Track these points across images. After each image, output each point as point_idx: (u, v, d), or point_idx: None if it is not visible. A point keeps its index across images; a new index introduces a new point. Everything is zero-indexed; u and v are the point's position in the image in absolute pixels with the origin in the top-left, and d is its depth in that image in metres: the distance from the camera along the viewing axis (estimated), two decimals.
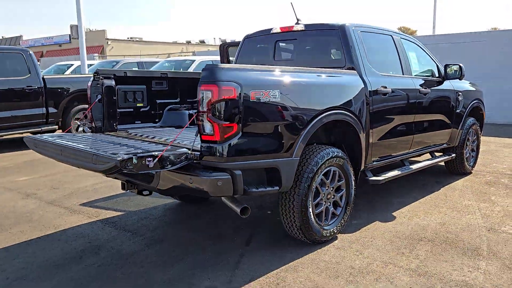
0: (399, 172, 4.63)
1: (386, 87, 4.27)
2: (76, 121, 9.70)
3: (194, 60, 12.62)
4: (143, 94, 4.39)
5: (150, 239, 3.91)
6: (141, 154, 2.66)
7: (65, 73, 15.12)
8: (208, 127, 2.89)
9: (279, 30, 4.67)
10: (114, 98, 4.09)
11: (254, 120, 3.02)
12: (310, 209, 3.49)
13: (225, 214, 4.55)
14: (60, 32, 52.12)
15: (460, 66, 5.28)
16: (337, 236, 3.86)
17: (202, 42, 53.27)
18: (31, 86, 8.84)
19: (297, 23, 4.66)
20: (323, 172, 3.58)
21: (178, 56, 26.93)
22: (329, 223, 3.74)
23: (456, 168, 6.03)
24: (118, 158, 2.53)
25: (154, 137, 3.74)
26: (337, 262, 3.37)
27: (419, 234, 3.94)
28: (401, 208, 4.69)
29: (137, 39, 47.73)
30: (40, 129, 8.97)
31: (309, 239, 3.58)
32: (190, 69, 12.27)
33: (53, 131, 9.22)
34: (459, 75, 5.29)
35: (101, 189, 5.58)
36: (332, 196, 3.76)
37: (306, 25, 4.47)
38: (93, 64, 15.55)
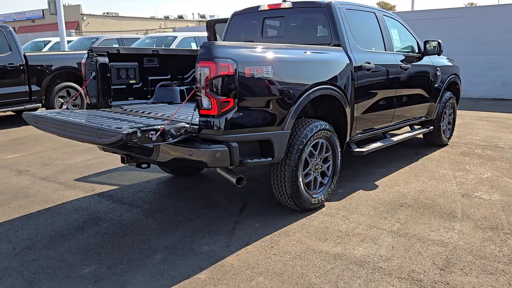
0: (381, 144, 4.90)
1: (369, 63, 4.49)
2: (59, 98, 9.67)
3: (176, 37, 12.54)
4: (135, 71, 4.49)
5: (148, 210, 4.10)
6: (144, 128, 2.82)
7: (42, 50, 14.84)
8: (206, 102, 3.05)
9: (267, 8, 4.80)
10: (108, 75, 4.19)
11: (249, 95, 3.20)
12: (300, 179, 3.73)
13: (216, 186, 4.77)
14: (31, 7, 50.32)
15: (438, 42, 5.53)
16: (324, 204, 4.12)
17: (181, 17, 52.27)
18: (13, 64, 8.74)
19: (284, 1, 4.80)
20: (312, 144, 3.81)
21: (157, 32, 26.52)
22: (317, 192, 3.99)
23: (433, 140, 6.36)
24: (124, 132, 2.69)
25: (150, 112, 3.89)
26: (326, 227, 3.64)
27: (399, 200, 4.24)
28: (383, 178, 4.99)
29: (114, 15, 46.58)
30: (23, 107, 8.92)
31: (299, 206, 3.83)
32: (173, 46, 12.24)
33: (36, 109, 9.17)
34: (438, 51, 5.54)
35: (92, 165, 5.70)
36: (320, 167, 4.00)
37: (293, 3, 4.61)
38: (72, 41, 15.28)
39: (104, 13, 46.86)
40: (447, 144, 6.59)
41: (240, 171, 5.06)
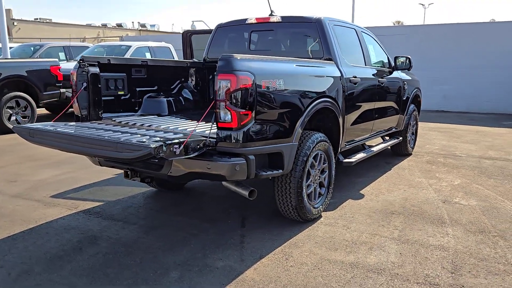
0: (365, 154, 5.11)
1: (356, 77, 4.68)
2: (8, 109, 9.02)
3: (130, 46, 12.21)
4: (123, 82, 4.34)
5: (144, 226, 3.94)
6: (169, 142, 2.74)
7: None
8: (225, 114, 3.03)
9: (254, 21, 4.86)
10: (99, 86, 4.01)
11: (264, 108, 3.22)
12: (304, 190, 3.79)
13: (207, 200, 4.70)
14: None
15: (409, 58, 5.89)
16: (321, 214, 4.21)
17: (120, 26, 50.78)
18: None
19: (271, 15, 4.89)
20: (313, 155, 3.89)
21: (102, 41, 25.56)
22: (317, 202, 4.07)
23: (400, 150, 6.73)
24: (152, 146, 2.60)
25: (150, 125, 3.77)
26: (331, 237, 3.72)
27: (389, 208, 4.44)
28: (366, 187, 5.19)
29: (47, 20, 44.25)
30: None
31: (302, 218, 3.88)
32: (127, 55, 11.89)
33: None
34: (408, 66, 5.90)
35: (65, 181, 5.38)
36: (318, 177, 4.09)
37: (282, 17, 4.71)
38: (12, 47, 14.31)
39: (36, 19, 44.36)
40: (411, 154, 6.99)
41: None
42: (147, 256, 3.35)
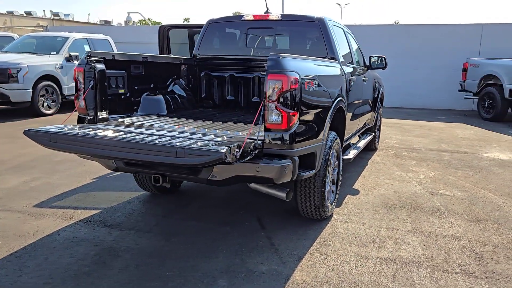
0: (356, 151, 5.28)
1: (352, 75, 4.82)
2: None
3: (67, 38, 11.32)
4: (123, 80, 4.03)
5: (161, 233, 3.72)
6: (232, 145, 2.61)
7: None
8: (275, 115, 2.96)
9: (252, 18, 4.77)
10: (105, 84, 3.68)
11: (306, 108, 3.20)
12: (326, 189, 3.83)
13: (208, 203, 4.55)
14: None
15: (383, 58, 6.17)
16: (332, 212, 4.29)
17: (29, 14, 46.65)
18: None
19: (266, 12, 4.84)
20: (331, 154, 3.95)
21: (4, 30, 23.28)
22: (331, 200, 4.14)
23: (370, 145, 7.05)
24: (222, 150, 2.45)
25: (168, 127, 3.56)
26: (353, 233, 3.81)
27: (388, 202, 4.65)
28: (356, 182, 5.37)
29: None
30: None
31: (322, 216, 3.92)
32: (64, 48, 11.04)
33: None
34: (383, 65, 6.18)
35: (40, 188, 4.88)
36: (331, 176, 4.16)
37: (282, 15, 4.69)
38: None
39: None
40: (377, 149, 7.36)
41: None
42: (183, 265, 3.17)
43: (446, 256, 3.40)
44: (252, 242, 3.58)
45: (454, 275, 3.12)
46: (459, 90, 12.07)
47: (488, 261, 3.34)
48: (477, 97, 11.33)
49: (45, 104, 10.19)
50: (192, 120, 3.99)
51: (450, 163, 6.43)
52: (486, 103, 10.91)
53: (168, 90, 4.67)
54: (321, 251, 3.45)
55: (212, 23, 5.01)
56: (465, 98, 11.96)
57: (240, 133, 3.30)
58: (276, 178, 3.00)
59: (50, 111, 10.29)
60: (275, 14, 4.70)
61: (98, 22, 52.07)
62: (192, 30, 6.52)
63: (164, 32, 5.89)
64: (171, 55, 5.66)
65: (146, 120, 3.88)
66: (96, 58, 3.59)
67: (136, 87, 4.19)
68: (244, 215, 4.19)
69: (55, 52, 10.80)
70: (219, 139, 3.04)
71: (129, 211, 4.22)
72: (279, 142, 3.00)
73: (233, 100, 4.93)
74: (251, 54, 4.86)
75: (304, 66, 3.25)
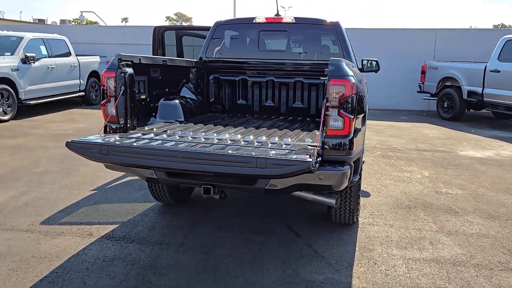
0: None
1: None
2: None
3: (22, 38, 10.50)
4: (144, 85, 3.77)
5: (196, 247, 3.52)
6: (310, 153, 2.51)
7: None
8: (337, 121, 2.89)
9: (264, 20, 4.67)
10: (134, 89, 3.42)
11: (358, 114, 3.16)
12: (360, 192, 3.83)
13: (222, 211, 4.38)
14: None
15: (376, 61, 6.30)
16: None
17: None
18: None
19: (277, 15, 4.77)
20: None
21: None
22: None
23: None
24: (309, 159, 2.35)
25: (208, 134, 3.37)
26: (387, 236, 3.84)
27: (401, 203, 4.74)
28: (361, 184, 5.43)
29: None
30: None
31: (354, 220, 3.91)
32: (20, 48, 10.22)
33: None
34: (376, 69, 6.30)
35: (36, 203, 4.45)
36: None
37: (296, 18, 4.63)
38: None
39: None
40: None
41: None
42: (237, 280, 3.02)
43: (484, 254, 3.51)
44: (295, 251, 3.48)
45: (501, 272, 3.22)
46: (418, 92, 12.67)
47: None
48: (436, 98, 11.95)
49: (0, 109, 9.36)
50: (222, 127, 3.81)
51: (436, 162, 6.70)
52: (445, 103, 11.53)
53: (180, 94, 4.45)
54: (367, 256, 3.43)
55: (220, 25, 4.84)
56: (424, 99, 12.58)
57: (290, 140, 3.19)
58: (337, 185, 2.94)
59: (6, 117, 9.46)
60: (288, 17, 4.63)
61: (31, 21, 48.93)
62: (180, 32, 6.29)
63: (160, 33, 5.61)
64: (184, 58, 5.40)
65: (176, 127, 3.65)
66: (126, 62, 3.32)
67: (154, 92, 3.94)
68: (271, 222, 4.08)
69: (9, 53, 9.96)
70: (288, 147, 2.92)
71: (150, 225, 3.96)
72: (340, 148, 2.94)
73: (244, 105, 4.80)
74: (264, 58, 4.75)
75: (355, 72, 3.23)
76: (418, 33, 13.73)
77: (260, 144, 3.04)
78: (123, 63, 3.28)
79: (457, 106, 11.13)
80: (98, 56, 13.27)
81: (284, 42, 4.79)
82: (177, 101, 4.20)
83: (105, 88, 3.26)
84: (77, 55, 12.21)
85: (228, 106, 4.83)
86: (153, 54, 5.79)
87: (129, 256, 3.33)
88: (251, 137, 3.32)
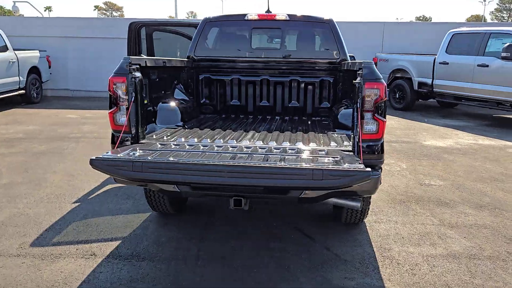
0: None
1: None
2: None
3: None
4: (146, 88, 3.48)
5: (213, 260, 3.34)
6: (358, 161, 2.44)
7: None
8: (372, 125, 2.84)
9: (256, 17, 4.51)
10: (144, 95, 3.14)
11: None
12: None
13: (225, 218, 4.21)
14: None
15: (353, 56, 6.37)
16: None
17: None
18: None
19: (268, 11, 4.63)
20: None
21: None
22: None
23: None
24: (368, 169, 2.27)
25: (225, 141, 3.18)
26: (397, 233, 3.89)
27: (394, 197, 4.84)
28: None
29: None
30: None
31: (363, 220, 3.92)
32: None
33: None
34: None
35: (14, 221, 4.01)
36: None
37: (289, 15, 4.52)
38: None
39: None
40: None
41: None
42: None
43: (491, 245, 3.67)
44: (317, 256, 3.42)
45: None
46: None
47: None
48: (388, 89, 12.44)
49: None
50: (232, 131, 3.63)
51: (408, 153, 6.94)
52: (397, 94, 12.03)
53: (174, 96, 4.18)
54: (387, 256, 3.45)
55: (209, 21, 4.60)
56: None
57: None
58: (372, 190, 2.90)
59: None
60: (281, 14, 4.50)
61: None
62: (151, 27, 5.93)
63: (136, 29, 5.22)
64: (176, 58, 5.07)
65: (186, 134, 3.41)
66: (135, 66, 3.03)
67: (153, 96, 3.66)
68: (280, 227, 3.98)
69: None
70: (325, 153, 2.82)
71: (155, 238, 3.70)
72: (373, 152, 2.90)
73: (238, 105, 4.62)
74: (256, 56, 4.59)
75: None
76: (366, 26, 14.14)
77: (293, 151, 2.91)
78: (134, 67, 2.99)
79: (408, 96, 11.64)
80: (37, 51, 12.24)
81: (281, 40, 4.66)
82: (175, 104, 3.94)
83: (114, 95, 2.95)
84: (14, 50, 11.18)
85: (220, 107, 4.63)
86: (128, 52, 5.40)
87: (147, 276, 3.08)
88: (275, 143, 3.18)
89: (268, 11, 4.66)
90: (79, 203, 4.47)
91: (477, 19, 67.48)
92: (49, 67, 12.43)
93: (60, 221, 4.02)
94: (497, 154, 6.95)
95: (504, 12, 73.57)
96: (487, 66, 9.49)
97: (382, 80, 2.87)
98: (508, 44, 8.97)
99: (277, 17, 4.50)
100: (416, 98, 11.80)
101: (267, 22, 4.55)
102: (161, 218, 4.14)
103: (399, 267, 3.28)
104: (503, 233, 3.92)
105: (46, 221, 4.00)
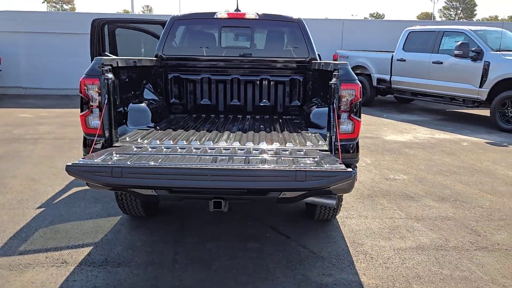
0: None
1: None
2: None
3: None
4: (117, 89, 3.39)
5: (191, 263, 3.31)
6: (338, 161, 2.49)
7: None
8: (348, 125, 2.91)
9: (226, 16, 4.48)
10: (116, 96, 3.05)
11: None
12: None
13: (198, 219, 4.19)
14: None
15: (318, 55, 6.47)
16: None
17: None
18: None
19: (237, 10, 4.62)
20: None
21: None
22: None
23: None
24: (350, 170, 2.32)
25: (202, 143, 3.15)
26: (368, 228, 4.02)
27: (362, 192, 4.98)
28: None
29: None
30: None
31: (334, 216, 4.01)
32: None
33: None
34: None
35: None
36: None
37: (259, 14, 4.52)
38: None
39: None
40: None
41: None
42: None
43: (456, 237, 3.86)
44: (294, 254, 3.47)
45: (476, 252, 3.58)
46: None
47: (485, 235, 3.91)
48: None
49: None
50: (206, 131, 3.60)
51: (370, 149, 7.16)
52: None
53: (144, 96, 4.09)
54: (361, 251, 3.56)
55: (177, 20, 4.53)
56: None
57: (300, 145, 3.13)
58: (349, 188, 2.97)
59: None
60: (251, 13, 4.50)
61: None
62: (113, 24, 5.76)
63: (99, 26, 5.04)
64: (142, 56, 4.92)
65: (160, 136, 3.35)
66: (107, 67, 2.93)
67: (123, 96, 3.56)
68: (255, 227, 4.00)
69: None
70: (303, 153, 2.85)
71: (129, 243, 3.62)
72: (349, 151, 2.97)
73: (208, 105, 4.59)
74: (226, 54, 4.57)
75: None
76: (325, 23, 14.39)
77: (272, 152, 2.93)
78: (106, 68, 2.89)
79: (368, 92, 11.97)
80: None
81: (250, 39, 4.66)
82: (145, 105, 3.86)
83: (85, 97, 2.85)
84: None
85: (190, 106, 4.58)
86: (91, 51, 5.21)
87: (125, 282, 3.01)
88: (252, 144, 3.18)
89: (237, 9, 4.64)
90: (44, 208, 4.30)
91: (427, 17, 70.35)
92: None
93: (25, 228, 3.84)
94: (453, 147, 7.30)
95: (451, 10, 77.03)
96: (441, 63, 9.92)
97: (357, 81, 2.94)
98: (460, 42, 9.41)
99: (247, 16, 4.49)
100: (375, 94, 12.16)
101: (236, 21, 4.54)
102: (133, 222, 4.05)
103: (372, 261, 3.39)
104: (465, 224, 4.13)
105: (10, 228, 3.82)
